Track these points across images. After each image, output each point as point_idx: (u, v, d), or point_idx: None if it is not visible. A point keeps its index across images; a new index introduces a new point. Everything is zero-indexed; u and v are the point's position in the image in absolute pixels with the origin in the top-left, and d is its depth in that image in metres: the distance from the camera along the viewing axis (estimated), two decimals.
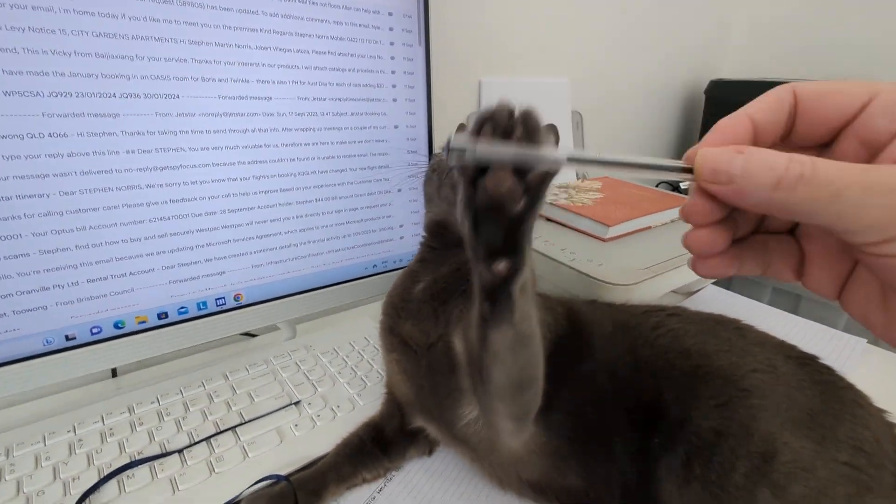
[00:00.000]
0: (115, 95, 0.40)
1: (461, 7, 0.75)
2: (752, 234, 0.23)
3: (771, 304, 0.76)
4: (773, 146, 0.20)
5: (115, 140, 0.41)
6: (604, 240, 0.61)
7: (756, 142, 0.20)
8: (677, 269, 0.55)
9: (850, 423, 0.33)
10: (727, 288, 0.77)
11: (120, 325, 0.45)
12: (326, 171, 0.53)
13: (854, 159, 0.19)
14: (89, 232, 0.42)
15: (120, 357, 0.46)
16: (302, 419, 0.46)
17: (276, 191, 0.50)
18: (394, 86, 0.56)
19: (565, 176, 0.86)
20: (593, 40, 0.98)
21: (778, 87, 0.21)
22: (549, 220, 0.69)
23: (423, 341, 0.38)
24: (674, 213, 0.70)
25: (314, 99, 0.50)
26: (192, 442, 0.42)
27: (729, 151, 0.18)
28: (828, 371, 0.37)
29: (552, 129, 0.21)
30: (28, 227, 0.39)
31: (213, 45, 0.44)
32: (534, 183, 0.20)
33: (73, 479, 0.38)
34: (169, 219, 0.45)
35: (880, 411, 0.36)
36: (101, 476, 0.38)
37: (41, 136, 0.38)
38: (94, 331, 0.44)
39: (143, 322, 0.46)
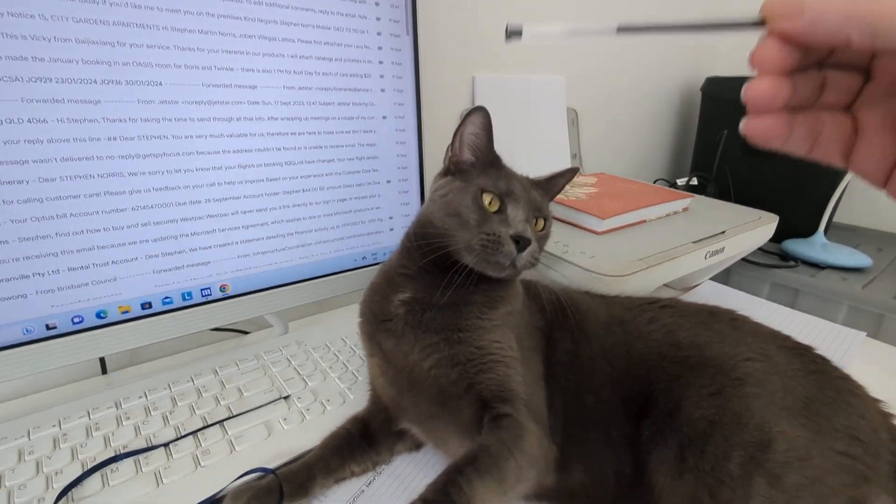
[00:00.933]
0: (96, 82, 0.40)
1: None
2: (807, 110, 0.22)
3: (769, 298, 0.75)
4: None
5: (97, 127, 0.40)
6: (598, 233, 0.61)
7: None
8: (671, 261, 0.54)
9: (846, 413, 0.32)
10: (724, 283, 0.77)
11: (102, 314, 0.44)
12: (314, 161, 0.52)
13: None
14: (70, 219, 0.41)
15: (103, 347, 0.45)
16: (291, 413, 0.45)
17: (262, 180, 0.50)
18: (381, 76, 0.55)
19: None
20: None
21: None
22: None
23: (403, 363, 0.38)
24: (669, 206, 0.69)
25: (300, 88, 0.50)
26: (179, 436, 0.41)
27: None
28: (823, 361, 0.37)
29: None
30: (7, 214, 0.38)
31: (197, 32, 0.43)
32: None
33: (56, 473, 0.38)
34: (152, 207, 0.44)
35: (876, 401, 0.35)
36: (85, 470, 0.38)
37: (20, 121, 0.38)
38: (76, 320, 0.43)
39: (127, 312, 0.46)
